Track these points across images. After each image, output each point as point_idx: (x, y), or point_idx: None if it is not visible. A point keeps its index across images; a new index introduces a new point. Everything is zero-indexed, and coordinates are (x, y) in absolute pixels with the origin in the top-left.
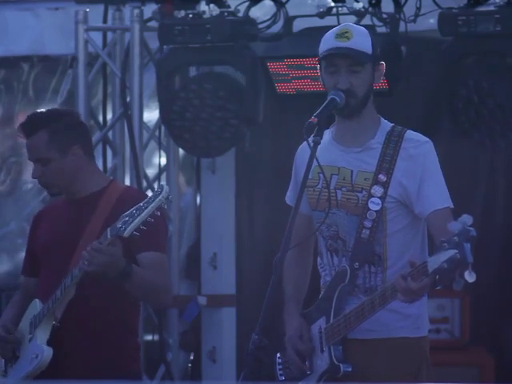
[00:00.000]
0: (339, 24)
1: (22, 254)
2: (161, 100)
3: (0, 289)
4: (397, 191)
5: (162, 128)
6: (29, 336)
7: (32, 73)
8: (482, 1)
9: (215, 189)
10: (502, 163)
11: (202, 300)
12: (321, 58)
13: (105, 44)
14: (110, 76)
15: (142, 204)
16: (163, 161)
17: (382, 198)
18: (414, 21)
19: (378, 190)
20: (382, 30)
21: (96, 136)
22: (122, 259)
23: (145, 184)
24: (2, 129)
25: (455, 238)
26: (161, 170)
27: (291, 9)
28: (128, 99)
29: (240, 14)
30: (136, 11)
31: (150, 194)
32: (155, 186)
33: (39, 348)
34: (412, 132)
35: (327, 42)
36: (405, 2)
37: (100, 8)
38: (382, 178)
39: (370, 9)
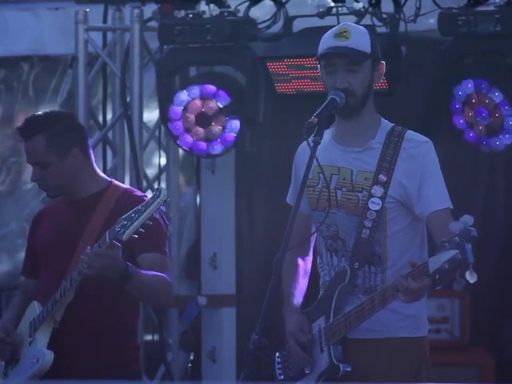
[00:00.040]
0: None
1: (22, 254)
2: (161, 100)
3: (0, 289)
4: (397, 191)
5: (162, 128)
6: (29, 339)
7: (32, 73)
8: (482, 1)
9: (215, 189)
10: (501, 163)
11: (202, 300)
12: (319, 58)
13: (105, 44)
14: (110, 76)
15: (140, 207)
16: (163, 161)
17: (383, 198)
18: (414, 21)
19: (378, 190)
20: (382, 29)
21: (96, 136)
22: (122, 261)
23: (145, 184)
24: (2, 129)
25: (456, 238)
26: (161, 170)
27: (291, 9)
28: (128, 99)
29: (240, 14)
30: (136, 11)
31: (149, 194)
32: (155, 186)
33: (40, 352)
34: (412, 132)
35: (326, 42)
36: (405, 2)
37: (100, 8)
38: (383, 178)
39: (370, 9)
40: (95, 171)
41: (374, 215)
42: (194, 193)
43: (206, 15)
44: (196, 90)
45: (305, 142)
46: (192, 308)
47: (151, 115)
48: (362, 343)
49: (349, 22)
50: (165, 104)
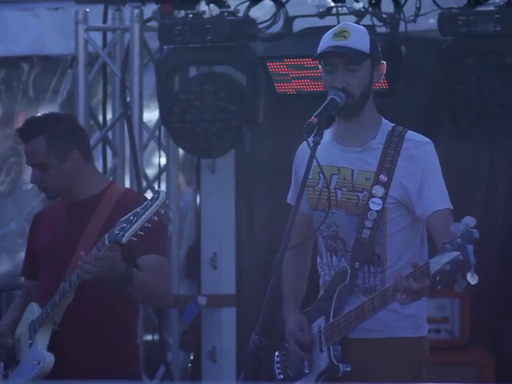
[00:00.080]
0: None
1: (22, 254)
2: (160, 100)
3: (0, 289)
4: (398, 192)
5: (162, 128)
6: (29, 341)
7: (32, 73)
8: (482, 1)
9: (215, 189)
10: (502, 163)
11: (202, 300)
12: (318, 57)
13: (105, 44)
14: (110, 76)
15: (139, 209)
16: (163, 161)
17: (383, 198)
18: (414, 21)
19: (379, 190)
20: (382, 29)
21: (96, 136)
22: (122, 264)
23: (145, 184)
24: (2, 129)
25: (458, 239)
26: (161, 170)
27: (291, 9)
28: (128, 99)
29: (240, 14)
30: (136, 11)
31: (149, 194)
32: (155, 186)
33: (40, 354)
34: (413, 132)
35: (325, 41)
36: (405, 2)
37: (100, 8)
38: (383, 178)
39: (370, 9)
40: (95, 173)
41: (374, 215)
42: (194, 193)
43: (206, 15)
44: None
45: (305, 142)
46: (192, 308)
47: (151, 115)
48: (362, 343)
49: (349, 22)
50: (165, 104)
